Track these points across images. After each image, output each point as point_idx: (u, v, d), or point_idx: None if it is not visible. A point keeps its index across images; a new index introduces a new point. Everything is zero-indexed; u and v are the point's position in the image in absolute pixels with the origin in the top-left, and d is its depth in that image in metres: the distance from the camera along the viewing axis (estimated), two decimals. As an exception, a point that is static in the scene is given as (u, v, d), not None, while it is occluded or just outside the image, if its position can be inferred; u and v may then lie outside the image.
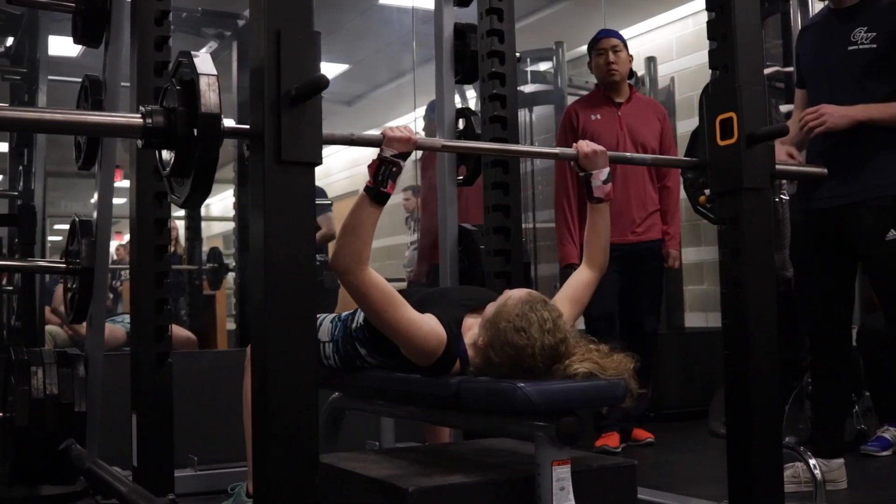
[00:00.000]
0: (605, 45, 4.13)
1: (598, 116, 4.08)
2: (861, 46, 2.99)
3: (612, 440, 3.95)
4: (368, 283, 2.17)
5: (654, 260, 4.05)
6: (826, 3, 3.21)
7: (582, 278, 2.55)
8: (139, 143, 1.80)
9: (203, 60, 1.71)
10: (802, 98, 3.21)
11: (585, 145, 2.52)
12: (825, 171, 2.73)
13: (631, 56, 4.21)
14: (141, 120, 1.73)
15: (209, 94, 1.67)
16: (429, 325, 2.24)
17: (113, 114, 2.10)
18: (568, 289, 2.53)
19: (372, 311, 2.22)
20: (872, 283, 3.13)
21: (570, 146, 3.87)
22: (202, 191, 1.72)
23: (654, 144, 4.05)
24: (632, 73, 4.24)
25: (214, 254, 6.42)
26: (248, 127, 1.90)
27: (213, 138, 1.68)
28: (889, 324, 3.09)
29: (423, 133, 5.54)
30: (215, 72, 1.70)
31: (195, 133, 1.67)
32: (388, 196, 2.16)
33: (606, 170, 2.52)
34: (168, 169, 1.78)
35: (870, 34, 2.98)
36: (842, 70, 3.03)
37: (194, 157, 1.70)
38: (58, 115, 1.82)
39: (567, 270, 3.93)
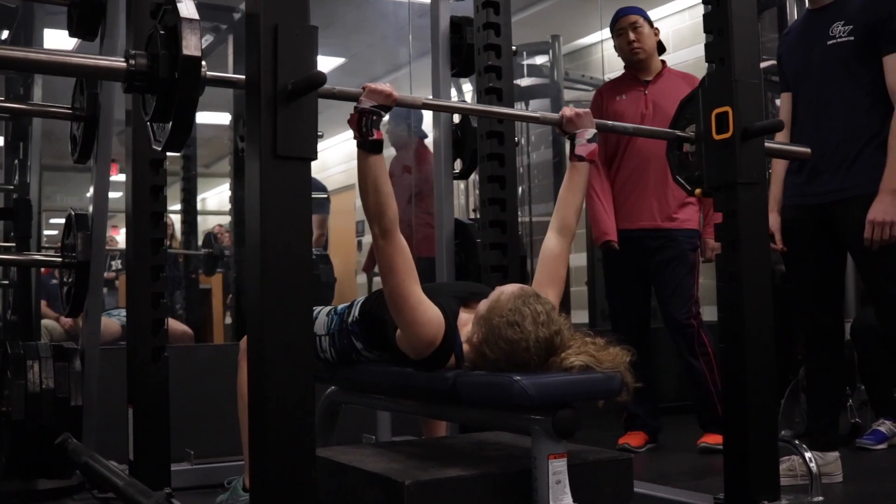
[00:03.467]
0: (623, 24, 3.97)
1: (624, 96, 3.96)
2: (839, 39, 3.02)
3: (635, 439, 3.88)
4: (398, 248, 2.19)
5: (674, 248, 3.84)
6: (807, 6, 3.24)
7: (554, 250, 2.52)
8: (123, 86, 1.82)
9: (186, 5, 1.73)
10: (788, 101, 3.23)
11: (569, 109, 2.54)
12: (808, 150, 2.72)
13: (656, 30, 4.03)
14: (124, 63, 1.75)
15: (190, 37, 1.69)
16: (434, 310, 2.24)
17: (98, 56, 2.11)
18: (543, 269, 2.51)
19: (392, 276, 2.21)
20: (863, 277, 3.15)
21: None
22: (182, 133, 1.74)
23: None
24: (662, 47, 4.05)
25: (209, 239, 6.37)
26: (232, 76, 1.97)
27: (194, 80, 1.70)
28: (879, 318, 3.11)
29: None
30: (197, 16, 1.73)
31: (176, 76, 1.69)
32: (380, 142, 2.18)
33: (592, 130, 2.54)
34: (150, 113, 1.80)
35: (847, 27, 3.01)
36: (825, 64, 3.06)
37: (175, 99, 1.71)
38: (42, 56, 1.88)
39: (606, 245, 3.88)
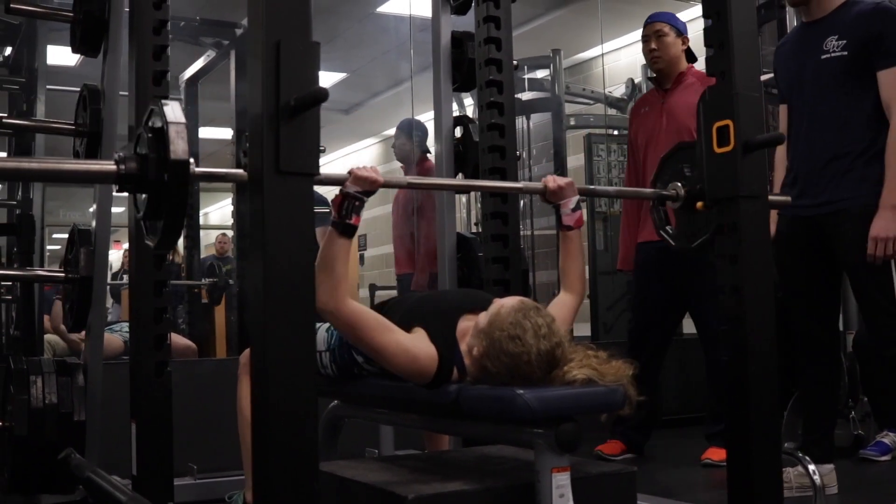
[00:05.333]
0: (647, 32, 3.95)
1: (647, 109, 4.00)
2: (833, 54, 3.03)
3: (610, 447, 3.92)
4: (352, 315, 2.21)
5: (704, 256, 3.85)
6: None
7: (566, 302, 2.57)
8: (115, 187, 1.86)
9: (172, 109, 1.75)
10: (786, 113, 3.25)
11: (552, 181, 2.55)
12: (788, 199, 2.71)
13: (685, 38, 3.96)
14: (114, 166, 1.78)
15: (178, 141, 1.71)
16: (418, 346, 2.25)
17: (88, 161, 2.16)
18: (553, 308, 2.53)
19: (360, 340, 2.26)
20: (854, 290, 3.15)
21: (630, 144, 3.97)
22: (175, 231, 1.78)
23: (694, 123, 3.80)
24: (691, 55, 3.99)
25: (213, 268, 6.35)
26: (218, 171, 2.04)
27: (182, 183, 1.73)
28: (871, 330, 3.12)
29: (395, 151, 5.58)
30: (184, 119, 1.75)
31: (166, 178, 1.72)
32: (354, 228, 2.21)
33: (574, 198, 2.56)
34: (142, 212, 1.84)
35: (840, 42, 3.02)
36: (818, 78, 3.07)
37: (165, 200, 1.75)
38: (34, 165, 1.92)
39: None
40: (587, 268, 6.09)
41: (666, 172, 2.64)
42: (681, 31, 3.98)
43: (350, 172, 2.23)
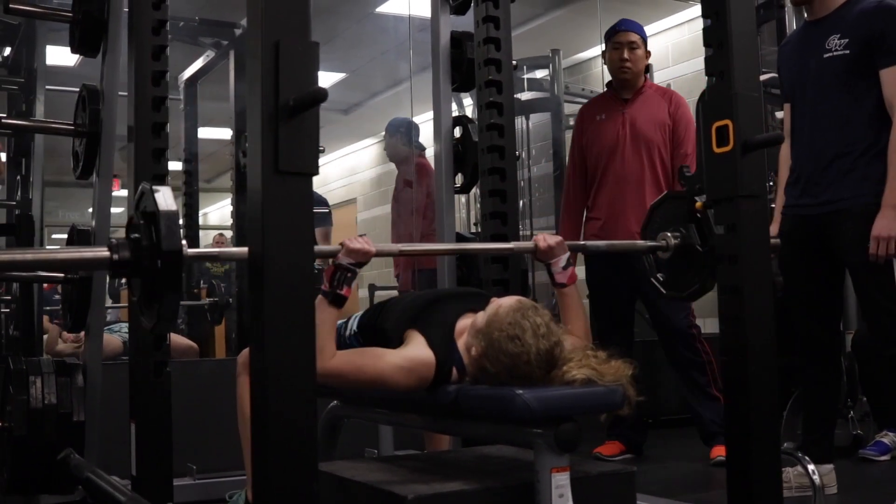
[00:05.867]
0: (621, 40, 3.94)
1: (603, 117, 3.96)
2: (835, 53, 3.03)
3: (608, 448, 3.92)
4: (338, 368, 2.23)
5: None
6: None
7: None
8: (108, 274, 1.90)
9: (164, 195, 1.76)
10: (789, 112, 3.25)
11: (542, 240, 2.56)
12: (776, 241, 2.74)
13: (648, 52, 4.02)
14: (108, 253, 1.79)
15: (170, 231, 1.73)
16: (413, 358, 2.27)
17: (81, 248, 2.19)
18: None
19: (356, 383, 2.28)
20: (856, 289, 3.15)
21: (576, 147, 3.86)
22: (169, 317, 1.79)
23: (659, 138, 3.87)
24: (647, 68, 4.05)
25: (213, 287, 6.25)
26: (211, 250, 2.13)
27: (176, 272, 1.74)
28: (871, 330, 3.12)
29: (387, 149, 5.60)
30: (175, 207, 1.76)
31: (159, 265, 1.73)
32: (345, 298, 2.25)
33: (565, 256, 2.56)
34: (137, 296, 1.86)
35: (842, 41, 3.02)
36: (821, 77, 3.07)
37: (159, 286, 1.76)
38: (28, 256, 1.96)
39: None
40: (584, 268, 6.13)
41: (655, 222, 2.67)
42: (646, 43, 4.03)
43: (342, 245, 2.26)
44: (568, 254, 2.57)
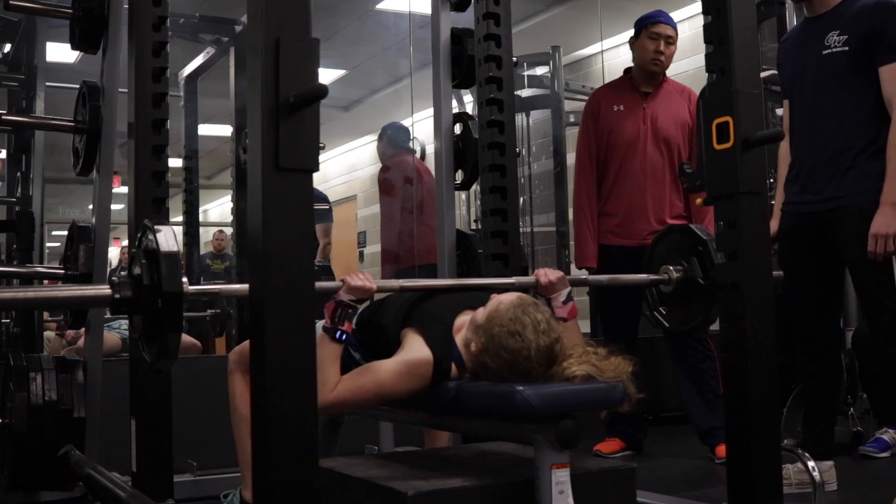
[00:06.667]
0: (660, 31, 3.84)
1: (622, 107, 3.88)
2: (835, 49, 3.02)
3: (608, 445, 3.92)
4: (339, 398, 2.24)
5: None
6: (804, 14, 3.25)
7: None
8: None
9: (165, 235, 1.76)
10: (789, 108, 3.25)
11: (543, 275, 2.56)
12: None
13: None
14: (110, 291, 1.80)
15: (170, 272, 1.74)
16: (410, 361, 2.27)
17: (84, 287, 2.21)
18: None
19: (360, 405, 2.31)
20: (856, 286, 3.15)
21: (592, 134, 3.79)
22: (170, 354, 1.79)
23: (680, 138, 3.84)
24: None
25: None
26: (212, 288, 2.17)
27: (177, 310, 1.75)
28: (872, 327, 3.12)
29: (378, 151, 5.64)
30: (176, 247, 1.77)
31: (160, 304, 1.74)
32: (347, 334, 2.28)
33: (566, 291, 2.56)
34: (138, 333, 1.87)
35: (841, 37, 3.01)
36: (820, 73, 3.06)
37: (160, 325, 1.77)
38: (30, 294, 2.02)
39: (587, 269, 3.86)
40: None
41: (657, 255, 2.67)
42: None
43: (343, 281, 2.29)
44: (569, 289, 2.57)
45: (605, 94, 4.04)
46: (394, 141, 5.53)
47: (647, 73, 3.92)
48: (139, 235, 1.85)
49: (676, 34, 3.92)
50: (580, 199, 3.96)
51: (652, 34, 3.87)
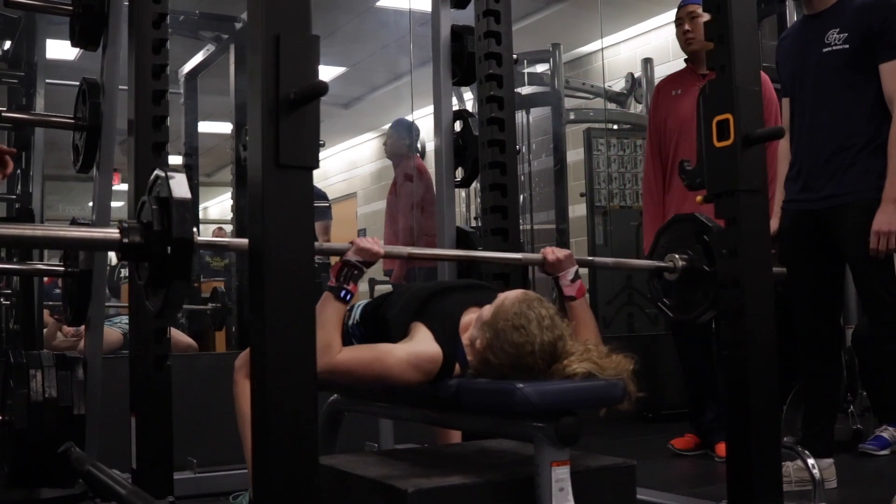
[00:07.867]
0: (681, 14, 3.86)
1: (679, 91, 3.88)
2: (835, 47, 3.02)
3: (681, 442, 3.88)
4: (346, 364, 2.24)
5: None
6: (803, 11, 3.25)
7: None
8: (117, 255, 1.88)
9: (178, 182, 1.76)
10: (789, 106, 3.24)
11: (551, 253, 2.57)
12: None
13: None
14: (118, 235, 1.79)
15: (182, 219, 1.73)
16: (420, 353, 2.26)
17: (92, 229, 2.18)
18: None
19: (363, 380, 2.30)
20: (856, 283, 3.15)
21: (653, 125, 3.86)
22: (176, 303, 1.79)
23: None
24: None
25: (216, 293, 6.15)
26: (225, 240, 2.09)
27: (186, 258, 1.75)
28: (873, 324, 3.12)
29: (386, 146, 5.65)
30: (189, 194, 1.76)
31: (169, 251, 1.74)
32: (351, 294, 2.28)
33: (573, 269, 2.56)
34: (144, 280, 1.85)
35: (842, 35, 3.02)
36: (821, 72, 3.06)
37: (168, 272, 1.77)
38: (38, 232, 1.97)
39: None
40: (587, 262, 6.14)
41: (662, 244, 2.67)
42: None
43: (353, 243, 2.29)
44: (576, 267, 2.57)
45: (665, 84, 4.06)
46: (411, 140, 5.55)
47: (691, 54, 3.92)
48: (151, 184, 1.83)
49: (700, 5, 3.77)
50: (644, 190, 4.04)
51: (678, 20, 3.90)
